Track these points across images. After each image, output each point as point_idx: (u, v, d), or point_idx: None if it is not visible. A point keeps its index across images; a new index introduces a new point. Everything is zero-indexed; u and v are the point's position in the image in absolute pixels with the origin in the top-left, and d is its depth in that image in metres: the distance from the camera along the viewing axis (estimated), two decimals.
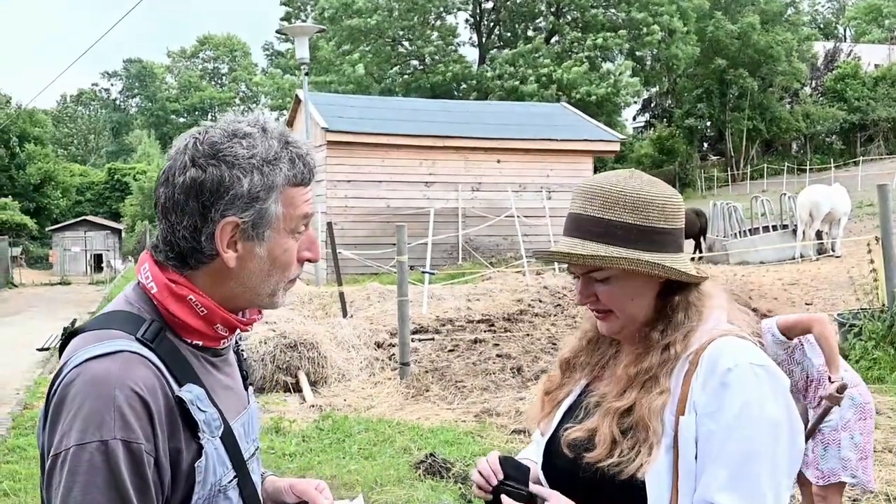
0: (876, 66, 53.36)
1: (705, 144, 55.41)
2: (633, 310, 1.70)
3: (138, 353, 1.36)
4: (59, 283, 36.19)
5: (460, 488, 5.92)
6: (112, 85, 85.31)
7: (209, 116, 78.98)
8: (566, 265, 1.79)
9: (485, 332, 11.07)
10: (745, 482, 1.52)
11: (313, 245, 1.54)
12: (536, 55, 39.69)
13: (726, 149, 49.88)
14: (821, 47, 53.38)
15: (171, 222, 1.43)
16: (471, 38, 49.00)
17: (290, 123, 23.43)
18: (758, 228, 21.30)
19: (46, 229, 47.25)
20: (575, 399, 1.82)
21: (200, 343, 1.48)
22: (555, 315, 12.17)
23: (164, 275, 1.45)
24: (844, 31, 70.36)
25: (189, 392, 1.39)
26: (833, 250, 18.76)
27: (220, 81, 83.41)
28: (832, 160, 44.10)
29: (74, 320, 16.98)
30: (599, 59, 40.75)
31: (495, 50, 46.47)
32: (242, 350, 1.72)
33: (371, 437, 7.23)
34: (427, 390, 8.73)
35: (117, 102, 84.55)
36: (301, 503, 1.68)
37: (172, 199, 1.41)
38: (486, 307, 12.46)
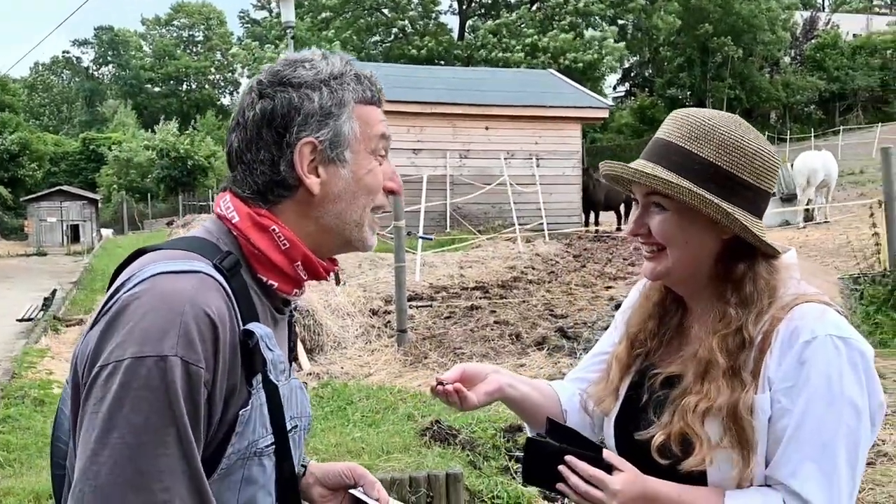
0: (854, 35, 53.51)
1: None
2: (686, 255, 1.54)
3: (214, 278, 1.27)
4: (35, 254, 35.72)
5: (468, 455, 5.80)
6: (84, 53, 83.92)
7: (185, 85, 78.04)
8: (628, 193, 1.65)
9: (480, 298, 10.95)
10: (821, 465, 1.40)
11: (395, 175, 1.47)
12: (520, 23, 39.38)
13: None
14: (799, 16, 53.41)
15: (247, 162, 1.38)
16: (451, 6, 48.55)
17: None
18: None
19: (21, 199, 46.50)
20: (637, 375, 1.68)
21: (275, 285, 1.38)
22: (549, 282, 12.08)
23: (247, 206, 1.38)
24: (823, 0, 70.44)
25: (259, 328, 1.30)
26: (824, 217, 18.78)
27: (195, 50, 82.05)
28: (812, 130, 44.28)
29: (55, 290, 16.67)
30: (583, 24, 40.53)
31: (476, 18, 46.07)
32: (295, 320, 1.60)
33: (373, 404, 7.09)
34: (426, 357, 8.60)
35: (90, 71, 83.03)
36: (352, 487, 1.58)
37: (246, 138, 1.37)
38: (479, 274, 12.35)
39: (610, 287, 11.93)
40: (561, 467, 1.48)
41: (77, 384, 1.24)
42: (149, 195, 47.32)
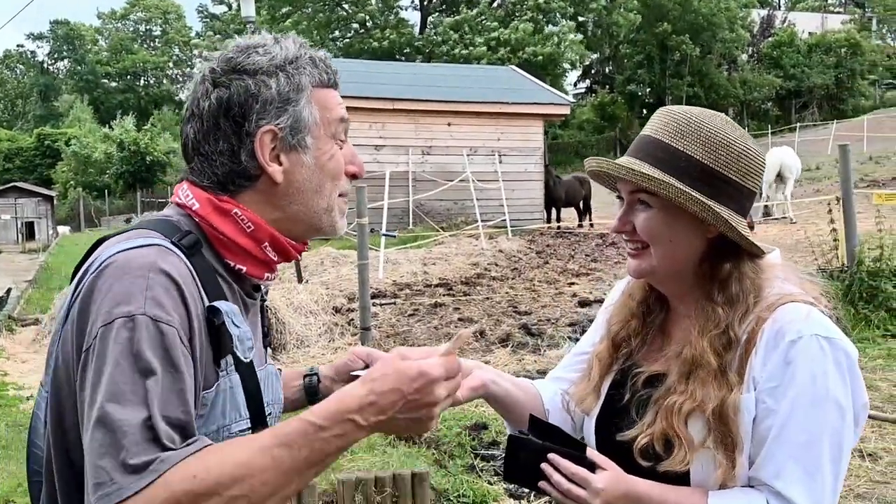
0: (810, 33, 54.35)
1: (645, 111, 55.95)
2: (670, 254, 1.53)
3: (172, 251, 1.25)
4: None
5: (434, 454, 5.78)
6: (39, 47, 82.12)
7: (142, 80, 76.81)
8: (614, 190, 1.64)
9: (444, 295, 10.93)
10: (804, 466, 1.40)
11: (356, 157, 1.44)
12: (482, 18, 39.42)
13: None
14: (756, 15, 54.14)
15: (205, 154, 1.34)
16: (413, 1, 48.39)
17: None
18: None
19: None
20: (619, 374, 1.66)
21: (244, 269, 1.36)
22: (512, 279, 12.08)
23: (206, 193, 1.35)
24: None
25: (225, 304, 1.27)
26: (783, 213, 19.02)
27: (152, 44, 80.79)
28: (769, 126, 44.91)
29: (9, 289, 16.29)
30: (543, 21, 40.68)
31: (438, 14, 46.00)
32: (268, 306, 1.57)
33: None
34: None
35: (45, 65, 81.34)
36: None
37: (203, 129, 1.34)
38: (442, 271, 12.33)
39: (573, 283, 11.98)
40: (543, 465, 1.45)
41: (58, 386, 1.22)
42: (106, 192, 46.53)
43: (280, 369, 1.60)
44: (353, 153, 1.44)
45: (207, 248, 1.33)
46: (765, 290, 1.52)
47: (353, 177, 1.44)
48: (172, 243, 1.27)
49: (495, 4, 43.09)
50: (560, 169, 31.26)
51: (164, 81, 78.37)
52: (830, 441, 1.40)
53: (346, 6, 44.00)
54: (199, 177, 1.35)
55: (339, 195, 1.41)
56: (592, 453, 1.49)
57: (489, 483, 5.05)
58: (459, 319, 9.70)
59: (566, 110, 23.38)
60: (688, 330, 1.54)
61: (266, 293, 1.53)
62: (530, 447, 1.48)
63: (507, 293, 11.17)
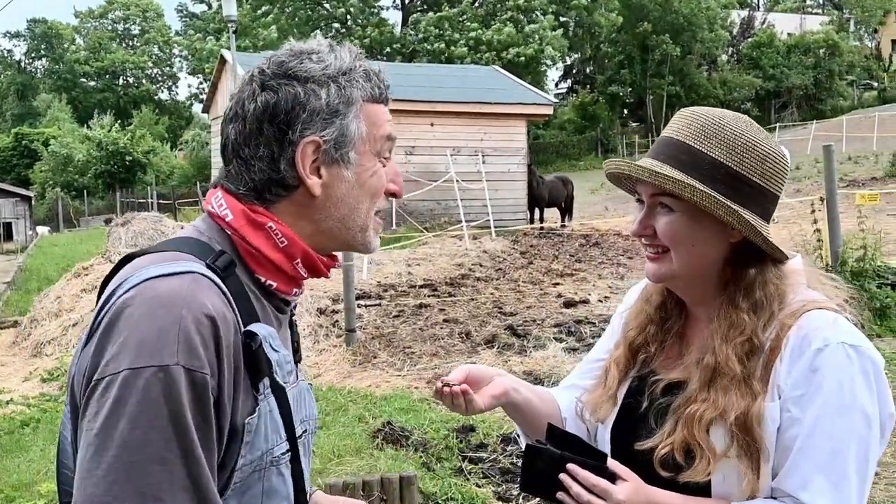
0: (789, 34, 54.82)
1: (626, 111, 56.21)
2: (692, 258, 1.49)
3: (209, 278, 1.19)
4: None
5: (421, 457, 5.74)
6: (16, 46, 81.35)
7: (121, 80, 76.21)
8: (633, 192, 1.59)
9: (428, 296, 10.89)
10: (830, 476, 1.36)
11: (398, 177, 1.39)
12: (463, 17, 39.42)
13: (646, 115, 50.75)
14: (736, 15, 54.54)
15: (244, 157, 1.29)
16: (394, 2, 48.33)
17: (214, 86, 22.63)
18: None
19: None
20: (636, 381, 1.62)
21: (274, 285, 1.30)
22: (497, 279, 12.06)
23: (241, 203, 1.29)
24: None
25: (262, 328, 1.22)
26: None
27: (131, 44, 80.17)
28: None
29: None
30: (525, 21, 40.75)
31: (419, 13, 45.98)
32: (296, 320, 1.50)
33: (322, 406, 6.96)
34: (375, 357, 8.51)
35: (22, 64, 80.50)
36: None
37: (245, 131, 1.28)
38: (427, 272, 12.29)
39: (558, 284, 11.97)
40: (562, 475, 1.41)
41: (75, 405, 1.16)
42: (85, 192, 46.10)
43: (310, 384, 1.55)
44: (397, 172, 1.39)
45: (239, 264, 1.28)
46: (788, 296, 1.48)
47: (392, 195, 1.39)
48: (208, 266, 1.21)
49: (476, 4, 43.11)
50: (542, 169, 31.34)
51: (144, 81, 77.80)
52: (857, 451, 1.37)
53: (326, 5, 43.87)
54: (235, 182, 1.30)
55: (376, 213, 1.37)
56: (613, 463, 1.45)
57: (477, 486, 5.02)
58: (444, 320, 9.66)
59: (549, 110, 23.42)
60: (708, 336, 1.50)
61: (294, 308, 1.48)
62: (548, 457, 1.43)
63: (491, 294, 11.15)
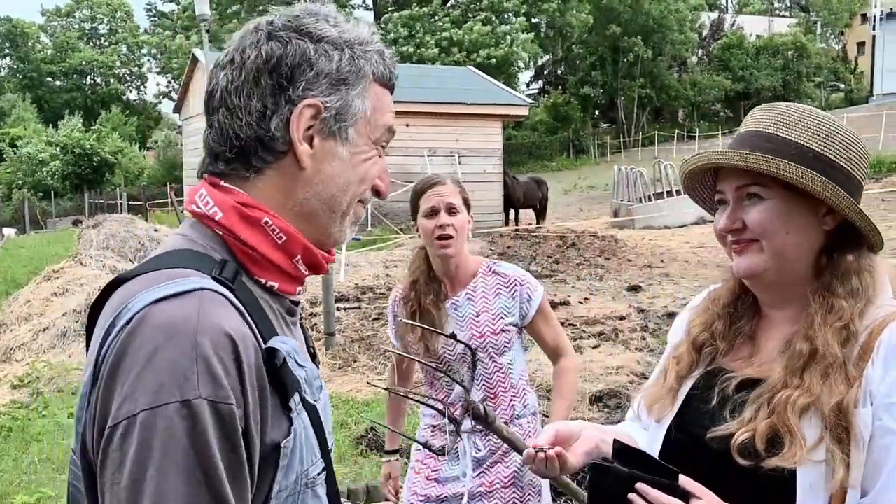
0: (758, 36, 55.40)
1: (597, 112, 56.46)
2: (786, 248, 1.41)
3: (220, 293, 1.05)
4: None
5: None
6: None
7: (89, 79, 75.23)
8: (706, 202, 1.54)
9: None
10: None
11: (386, 175, 1.27)
12: (434, 18, 39.33)
13: (618, 116, 51.05)
14: (706, 17, 55.04)
15: (231, 108, 1.15)
16: (364, 2, 48.14)
17: (185, 86, 22.34)
18: (661, 193, 21.71)
19: None
20: (700, 380, 1.54)
21: (276, 286, 1.17)
22: None
23: (231, 196, 1.15)
24: (727, 2, 72.71)
25: (284, 343, 1.09)
26: None
27: (99, 43, 79.15)
28: (719, 127, 45.64)
29: None
30: (497, 22, 40.79)
31: (389, 14, 45.87)
32: (303, 319, 1.39)
33: None
34: (355, 361, 8.40)
35: None
36: None
37: (239, 79, 1.14)
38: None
39: None
40: (631, 496, 1.32)
41: (87, 456, 1.03)
42: (52, 193, 45.41)
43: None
44: (386, 170, 1.28)
45: (241, 269, 1.15)
46: (879, 288, 1.42)
47: (376, 193, 1.28)
48: (214, 279, 1.08)
49: (448, 5, 43.08)
50: (515, 169, 31.34)
51: (112, 80, 76.87)
52: None
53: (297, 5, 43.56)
54: (217, 138, 1.16)
55: (359, 201, 1.25)
56: (685, 480, 1.35)
57: None
58: None
59: (525, 111, 23.44)
60: (778, 339, 1.45)
61: (301, 308, 1.35)
62: (615, 476, 1.35)
63: None
